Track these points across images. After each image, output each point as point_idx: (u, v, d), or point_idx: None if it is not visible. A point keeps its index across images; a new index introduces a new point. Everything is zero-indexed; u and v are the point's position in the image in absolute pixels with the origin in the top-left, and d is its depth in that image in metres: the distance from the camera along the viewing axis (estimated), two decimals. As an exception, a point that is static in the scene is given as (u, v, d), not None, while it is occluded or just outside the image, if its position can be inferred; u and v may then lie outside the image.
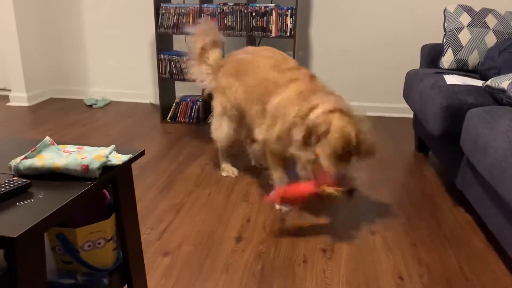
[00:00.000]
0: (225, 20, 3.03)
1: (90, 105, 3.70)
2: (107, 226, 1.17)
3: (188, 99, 3.30)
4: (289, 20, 2.97)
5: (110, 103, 3.78)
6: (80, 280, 1.18)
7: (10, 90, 3.73)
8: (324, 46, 3.47)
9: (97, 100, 3.74)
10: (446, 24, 2.64)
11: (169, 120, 3.31)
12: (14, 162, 1.07)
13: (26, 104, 3.67)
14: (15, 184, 0.97)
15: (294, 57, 3.06)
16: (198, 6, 3.04)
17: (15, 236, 0.79)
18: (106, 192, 1.25)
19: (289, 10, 2.95)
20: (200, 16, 3.04)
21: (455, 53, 2.55)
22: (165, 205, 2.06)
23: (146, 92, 3.84)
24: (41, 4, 3.71)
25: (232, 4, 3.00)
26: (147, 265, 1.61)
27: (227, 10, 3.01)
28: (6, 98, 3.75)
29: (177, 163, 2.55)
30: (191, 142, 2.90)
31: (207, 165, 2.54)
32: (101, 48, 3.79)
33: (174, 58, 3.16)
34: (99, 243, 1.17)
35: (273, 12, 2.97)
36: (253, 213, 2.01)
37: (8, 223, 0.85)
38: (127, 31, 3.69)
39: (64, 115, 3.43)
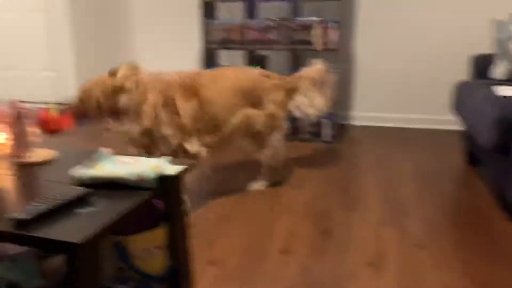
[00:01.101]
0: (269, 35, 3.07)
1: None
2: (160, 235, 1.21)
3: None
4: (333, 33, 2.97)
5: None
6: (133, 286, 1.23)
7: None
8: (368, 57, 3.44)
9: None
10: (497, 34, 2.56)
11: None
12: (76, 172, 1.13)
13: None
14: (77, 193, 1.03)
15: (338, 70, 3.06)
16: (243, 21, 3.11)
17: (78, 242, 0.84)
18: (158, 201, 1.29)
19: (333, 24, 2.96)
20: (245, 31, 3.10)
21: (508, 64, 2.46)
22: (212, 216, 2.10)
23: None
24: (97, 23, 3.92)
25: (277, 18, 3.04)
26: (195, 273, 1.65)
27: (271, 25, 3.05)
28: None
29: (224, 174, 2.60)
30: (231, 156, 2.94)
31: (250, 179, 2.56)
32: (150, 63, 3.93)
33: (220, 72, 3.23)
34: (151, 251, 1.21)
35: (317, 26, 2.98)
36: (297, 225, 2.01)
37: (71, 229, 0.91)
38: (174, 47, 3.82)
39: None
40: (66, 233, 0.88)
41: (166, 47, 3.85)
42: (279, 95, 2.26)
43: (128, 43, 3.94)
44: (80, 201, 1.01)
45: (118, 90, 1.96)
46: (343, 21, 3.11)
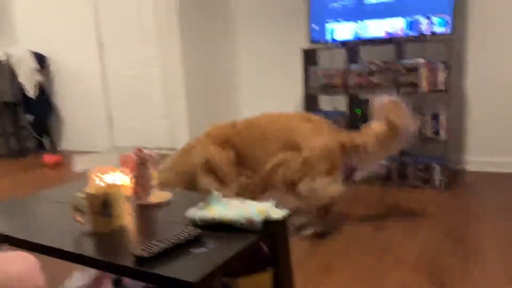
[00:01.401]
0: (372, 78, 3.04)
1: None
2: (266, 278, 1.21)
3: (335, 157, 3.33)
4: (440, 74, 2.85)
5: (260, 161, 4.01)
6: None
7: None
8: (481, 96, 3.21)
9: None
10: None
11: (316, 177, 3.36)
12: (190, 213, 1.20)
13: (189, 162, 4.12)
14: (191, 233, 1.08)
15: (448, 111, 2.90)
16: (346, 67, 3.12)
17: (193, 281, 0.88)
18: (263, 246, 1.31)
19: (440, 64, 2.84)
20: (348, 76, 3.11)
21: None
22: (315, 263, 2.05)
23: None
24: (207, 78, 4.23)
25: (380, 62, 3.01)
26: (298, 322, 1.61)
27: (374, 69, 3.02)
28: (173, 157, 4.26)
29: (325, 222, 2.55)
30: (338, 201, 2.88)
31: (356, 224, 2.48)
32: (253, 110, 4.11)
33: (322, 117, 3.25)
34: (257, 295, 1.21)
35: (423, 67, 2.89)
36: (410, 278, 1.87)
37: (186, 268, 0.95)
38: (276, 94, 3.95)
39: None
40: (182, 271, 0.92)
41: (269, 94, 4.00)
42: (318, 141, 2.12)
43: (234, 92, 4.17)
44: (194, 241, 1.06)
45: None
46: (451, 61, 2.97)
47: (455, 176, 3.16)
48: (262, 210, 1.16)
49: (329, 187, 2.16)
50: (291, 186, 2.15)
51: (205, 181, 2.17)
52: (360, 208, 2.71)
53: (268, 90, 4.01)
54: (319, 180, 2.12)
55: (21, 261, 0.91)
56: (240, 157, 2.19)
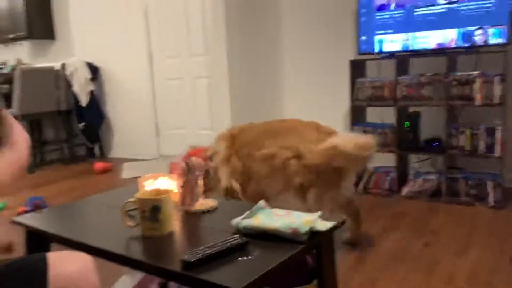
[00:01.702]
0: (423, 91, 2.96)
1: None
2: (311, 291, 1.19)
3: (381, 170, 3.25)
4: (496, 87, 2.73)
5: (304, 173, 3.98)
6: None
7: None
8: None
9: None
10: None
11: (361, 191, 3.29)
12: (235, 221, 1.21)
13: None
14: (236, 241, 1.09)
15: (503, 126, 2.77)
16: (395, 79, 3.06)
17: (238, 288, 0.88)
18: (308, 258, 1.29)
19: (497, 77, 2.72)
20: (396, 88, 3.04)
21: None
22: (358, 278, 2.00)
23: (338, 162, 3.93)
24: (251, 88, 4.28)
25: (431, 74, 2.93)
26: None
27: (425, 81, 2.94)
28: (217, 167, 4.31)
29: (370, 236, 2.49)
30: (384, 215, 2.81)
31: (403, 239, 2.40)
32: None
33: (368, 130, 3.20)
34: (302, 307, 1.20)
35: (478, 80, 2.78)
36: (459, 298, 1.79)
37: (231, 275, 0.95)
38: (321, 106, 3.93)
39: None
40: (227, 278, 0.93)
41: (315, 105, 3.98)
42: (317, 148, 2.01)
43: (278, 103, 4.18)
44: (239, 249, 1.07)
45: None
46: (507, 73, 2.84)
47: (509, 194, 3.00)
48: (308, 221, 1.14)
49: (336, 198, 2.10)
50: (302, 190, 2.07)
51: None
52: (407, 223, 2.63)
53: (314, 102, 3.99)
54: (325, 189, 2.05)
55: (78, 260, 0.95)
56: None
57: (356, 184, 3.30)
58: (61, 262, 0.92)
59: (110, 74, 5.21)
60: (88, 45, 5.30)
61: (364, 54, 3.26)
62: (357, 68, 3.29)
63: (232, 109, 4.10)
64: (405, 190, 3.13)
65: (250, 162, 2.16)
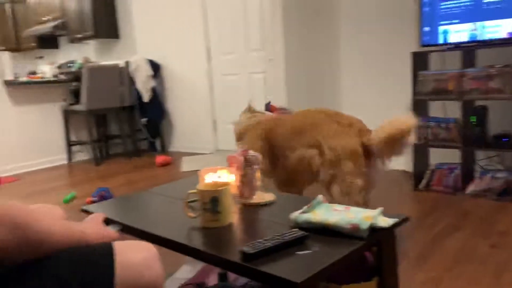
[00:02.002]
0: (491, 83, 2.79)
1: (343, 170, 3.90)
2: (371, 288, 1.17)
3: (445, 167, 3.11)
4: None
5: (361, 169, 3.90)
6: None
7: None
8: None
9: (349, 165, 3.92)
10: None
11: (422, 189, 3.17)
12: (294, 215, 1.20)
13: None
14: (295, 235, 1.08)
15: None
16: (460, 71, 2.91)
17: (298, 282, 0.88)
18: (368, 254, 1.26)
19: None
20: (462, 81, 2.89)
21: None
22: (421, 277, 1.93)
23: (398, 158, 3.80)
24: (307, 81, 4.24)
25: (501, 65, 2.75)
26: None
27: (494, 73, 2.77)
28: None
29: (433, 234, 2.39)
30: (448, 213, 2.69)
31: (469, 239, 2.29)
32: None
33: (430, 124, 3.07)
34: (360, 304, 1.17)
35: (554, 70, 2.58)
36: (532, 304, 1.67)
37: (291, 268, 0.95)
38: (381, 99, 3.82)
39: (320, 178, 3.71)
40: (287, 271, 0.93)
41: (375, 99, 3.87)
42: (341, 143, 2.01)
43: (336, 98, 4.12)
44: (298, 243, 1.06)
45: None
46: None
47: None
48: (368, 216, 1.12)
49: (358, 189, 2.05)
50: (327, 184, 2.06)
51: None
52: (473, 223, 2.50)
53: (374, 96, 3.88)
54: (349, 182, 2.02)
55: (142, 250, 0.98)
56: (274, 148, 2.26)
57: (418, 181, 3.19)
58: (126, 251, 0.95)
59: (170, 70, 5.38)
60: (149, 43, 5.50)
61: (427, 45, 3.12)
62: (419, 61, 3.16)
63: (289, 104, 4.09)
64: (470, 188, 2.97)
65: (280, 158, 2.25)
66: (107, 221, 1.19)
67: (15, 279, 0.81)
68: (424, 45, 3.13)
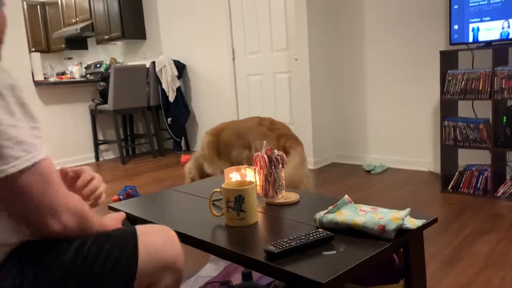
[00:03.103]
0: (524, 82, 2.70)
1: (369, 171, 3.85)
2: (398, 290, 1.14)
3: (474, 168, 3.03)
4: None
5: (387, 170, 3.84)
6: None
7: (301, 154, 4.27)
8: None
9: (375, 166, 3.86)
10: None
11: (451, 190, 3.09)
12: (319, 215, 1.19)
13: (312, 167, 4.12)
14: (320, 235, 1.07)
15: None
16: (491, 69, 2.83)
17: (323, 282, 0.87)
18: (395, 256, 1.24)
19: None
20: (492, 80, 2.81)
21: None
22: (449, 282, 1.88)
23: (425, 159, 3.73)
24: (332, 81, 4.21)
25: (534, 64, 2.66)
26: None
27: (527, 71, 2.68)
28: (298, 162, 4.30)
29: (462, 237, 2.33)
30: (477, 216, 2.61)
31: (499, 243, 2.22)
32: (381, 116, 3.96)
33: (460, 125, 2.99)
34: (388, 307, 1.15)
35: None
36: None
37: (315, 268, 0.94)
38: (408, 99, 3.75)
39: (345, 179, 3.67)
40: (312, 271, 0.92)
41: (400, 99, 3.81)
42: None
43: (361, 98, 4.06)
44: (323, 243, 1.05)
45: None
46: None
47: None
48: (396, 218, 1.10)
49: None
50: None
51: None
52: (504, 226, 2.42)
53: (400, 96, 3.81)
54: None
55: (162, 232, 1.04)
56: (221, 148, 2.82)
57: (446, 182, 3.11)
58: (148, 233, 1.01)
59: (195, 71, 5.42)
60: (175, 44, 5.56)
61: (456, 44, 3.05)
62: (448, 59, 3.09)
63: (313, 103, 4.06)
64: (501, 191, 2.89)
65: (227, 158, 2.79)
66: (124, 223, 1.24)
67: (49, 251, 0.92)
68: (453, 44, 3.06)
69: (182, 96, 5.44)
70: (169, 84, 5.28)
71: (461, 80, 2.96)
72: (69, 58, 7.27)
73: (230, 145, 2.73)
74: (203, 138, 2.94)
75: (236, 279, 1.55)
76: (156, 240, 1.00)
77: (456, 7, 2.99)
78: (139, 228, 1.02)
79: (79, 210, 0.92)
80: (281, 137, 2.60)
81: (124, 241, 0.97)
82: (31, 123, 0.89)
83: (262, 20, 4.60)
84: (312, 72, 4.02)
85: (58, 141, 5.01)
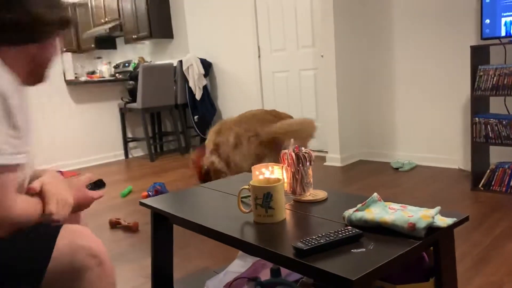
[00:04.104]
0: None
1: (396, 168, 3.80)
2: (427, 289, 1.14)
3: (506, 166, 2.95)
4: None
5: (415, 167, 3.78)
6: None
7: (327, 152, 4.25)
8: None
9: (403, 164, 3.81)
10: None
11: (482, 188, 3.03)
12: (347, 213, 1.19)
13: (339, 164, 4.10)
14: (349, 232, 1.08)
15: None
16: (524, 64, 2.75)
17: (353, 279, 0.87)
18: (425, 255, 1.23)
19: None
20: (525, 74, 2.73)
21: None
22: (480, 281, 1.85)
23: (455, 156, 3.66)
24: (358, 77, 4.16)
25: None
26: None
27: None
28: (324, 159, 4.29)
29: (493, 236, 2.28)
30: (509, 215, 2.55)
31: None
32: (409, 113, 3.90)
33: (491, 121, 2.92)
34: (417, 305, 1.14)
35: None
36: None
37: (345, 265, 0.95)
38: (438, 95, 3.68)
39: (371, 176, 3.64)
40: (341, 268, 0.92)
41: (429, 96, 3.74)
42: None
43: (388, 94, 4.01)
44: (352, 241, 1.05)
45: None
46: None
47: None
48: (426, 216, 1.09)
49: None
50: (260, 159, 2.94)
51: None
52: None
53: (429, 91, 3.75)
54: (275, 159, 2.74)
55: (88, 238, 1.07)
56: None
57: (477, 180, 3.05)
58: (72, 234, 1.04)
59: (221, 69, 5.46)
60: (201, 42, 5.62)
61: (488, 38, 2.97)
62: (479, 55, 3.02)
63: (339, 100, 4.04)
64: (535, 189, 2.81)
65: (227, 142, 3.13)
66: (92, 186, 1.31)
67: None
68: (484, 38, 2.98)
69: (208, 94, 5.49)
70: (196, 82, 5.34)
71: (492, 76, 2.89)
72: (99, 58, 7.44)
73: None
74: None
75: (264, 275, 1.57)
76: (64, 243, 1.02)
77: (488, 0, 2.92)
78: (66, 228, 1.05)
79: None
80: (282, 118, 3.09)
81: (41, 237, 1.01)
82: (10, 130, 0.94)
83: (287, 17, 4.60)
84: (339, 69, 4.00)
85: (88, 139, 5.15)
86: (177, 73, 5.37)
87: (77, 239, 1.03)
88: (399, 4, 3.80)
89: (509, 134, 2.85)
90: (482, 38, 2.99)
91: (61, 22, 1.07)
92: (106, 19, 6.73)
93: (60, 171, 4.70)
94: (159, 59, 6.26)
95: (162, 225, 1.61)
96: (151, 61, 6.36)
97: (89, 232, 1.08)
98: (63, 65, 4.96)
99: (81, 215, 1.37)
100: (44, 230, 1.03)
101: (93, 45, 7.21)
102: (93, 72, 6.97)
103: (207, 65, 5.44)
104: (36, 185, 1.06)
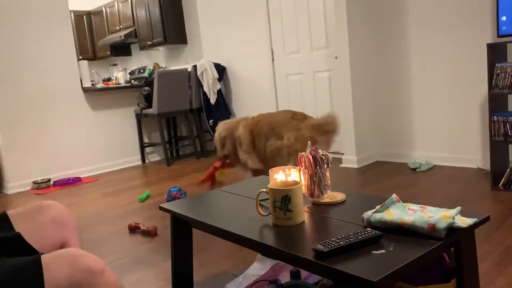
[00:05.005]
0: None
1: (414, 169, 3.76)
2: (449, 290, 1.13)
3: (527, 165, 2.91)
4: None
5: (433, 167, 3.74)
6: None
7: (343, 153, 4.24)
8: None
9: (420, 164, 3.78)
10: None
11: (502, 188, 2.98)
12: (366, 214, 1.19)
13: (355, 166, 4.08)
14: (369, 234, 1.08)
15: None
16: (543, 60, 2.70)
17: (374, 280, 0.88)
18: (446, 255, 1.22)
19: None
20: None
21: None
22: (502, 282, 1.82)
23: (473, 156, 3.61)
24: (374, 78, 4.14)
25: None
26: None
27: None
28: (340, 160, 4.27)
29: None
30: (531, 214, 2.51)
31: None
32: (426, 113, 3.86)
33: (510, 120, 2.88)
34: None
35: None
36: None
37: (365, 267, 0.95)
38: (454, 94, 3.64)
39: (389, 177, 3.61)
40: (362, 269, 0.92)
41: (445, 95, 3.70)
42: (296, 133, 2.73)
43: (403, 94, 3.98)
44: (372, 242, 1.05)
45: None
46: None
47: None
48: (446, 216, 1.08)
49: None
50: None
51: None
52: None
53: (445, 91, 3.71)
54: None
55: (66, 258, 1.03)
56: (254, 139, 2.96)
57: (497, 180, 3.00)
58: (51, 264, 1.00)
59: (235, 73, 5.49)
60: (215, 47, 5.66)
61: (504, 36, 2.93)
62: (496, 52, 2.98)
63: (354, 101, 4.02)
64: (558, 188, 2.75)
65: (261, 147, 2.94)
66: None
67: None
68: (501, 36, 2.94)
69: (223, 98, 5.53)
70: (210, 86, 5.37)
71: (510, 74, 2.85)
72: (114, 65, 7.54)
73: (265, 136, 2.93)
74: (243, 125, 3.07)
75: (284, 277, 1.57)
76: (61, 270, 0.99)
77: (504, -3, 2.88)
78: (43, 259, 1.01)
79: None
80: (314, 126, 2.80)
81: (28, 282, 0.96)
82: None
83: (300, 19, 4.60)
84: (353, 70, 3.99)
85: (106, 145, 5.22)
86: (191, 78, 5.42)
87: (74, 263, 1.02)
88: (414, 3, 3.77)
89: (529, 132, 2.80)
90: (498, 36, 2.95)
91: None
92: (121, 26, 6.83)
93: (79, 178, 4.78)
94: (174, 65, 6.32)
95: (182, 229, 1.62)
96: (165, 67, 6.43)
97: (83, 252, 1.06)
98: (80, 72, 5.04)
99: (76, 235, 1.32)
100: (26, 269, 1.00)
101: (108, 52, 7.32)
102: (109, 79, 7.07)
103: (221, 70, 5.47)
104: None
